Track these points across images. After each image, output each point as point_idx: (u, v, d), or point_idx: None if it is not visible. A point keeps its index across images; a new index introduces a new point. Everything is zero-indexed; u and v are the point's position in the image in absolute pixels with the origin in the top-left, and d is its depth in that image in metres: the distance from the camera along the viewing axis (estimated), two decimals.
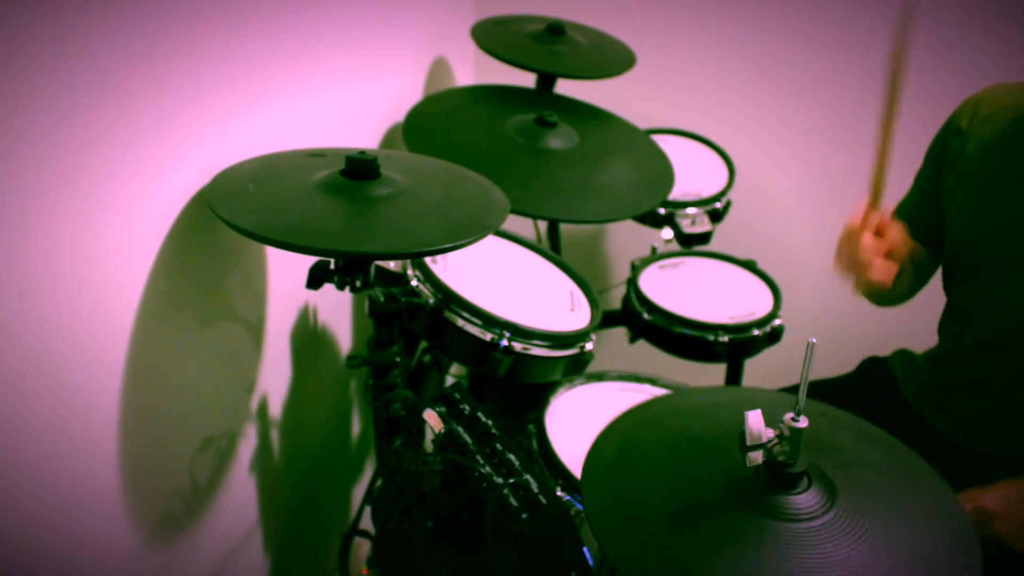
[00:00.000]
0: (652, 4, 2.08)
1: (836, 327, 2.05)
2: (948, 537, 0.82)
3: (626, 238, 2.29)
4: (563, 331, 1.32)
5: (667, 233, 1.85)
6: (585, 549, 1.06)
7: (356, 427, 1.86)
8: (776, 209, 2.17)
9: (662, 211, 1.83)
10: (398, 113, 1.69)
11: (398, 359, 1.30)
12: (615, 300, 1.80)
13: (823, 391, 1.38)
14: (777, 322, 1.63)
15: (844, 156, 2.06)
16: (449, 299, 1.27)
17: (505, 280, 1.46)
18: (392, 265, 1.31)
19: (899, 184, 1.79)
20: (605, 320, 1.55)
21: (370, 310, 1.28)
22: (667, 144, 1.82)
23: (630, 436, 0.93)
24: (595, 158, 1.64)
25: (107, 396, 1.02)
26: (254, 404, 1.38)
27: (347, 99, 1.53)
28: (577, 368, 1.37)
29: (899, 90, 1.17)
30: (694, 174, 1.91)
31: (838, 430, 0.95)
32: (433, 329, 1.29)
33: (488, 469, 1.10)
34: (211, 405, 1.27)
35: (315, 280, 1.13)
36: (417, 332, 1.33)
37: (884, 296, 1.40)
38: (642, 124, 1.88)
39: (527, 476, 1.09)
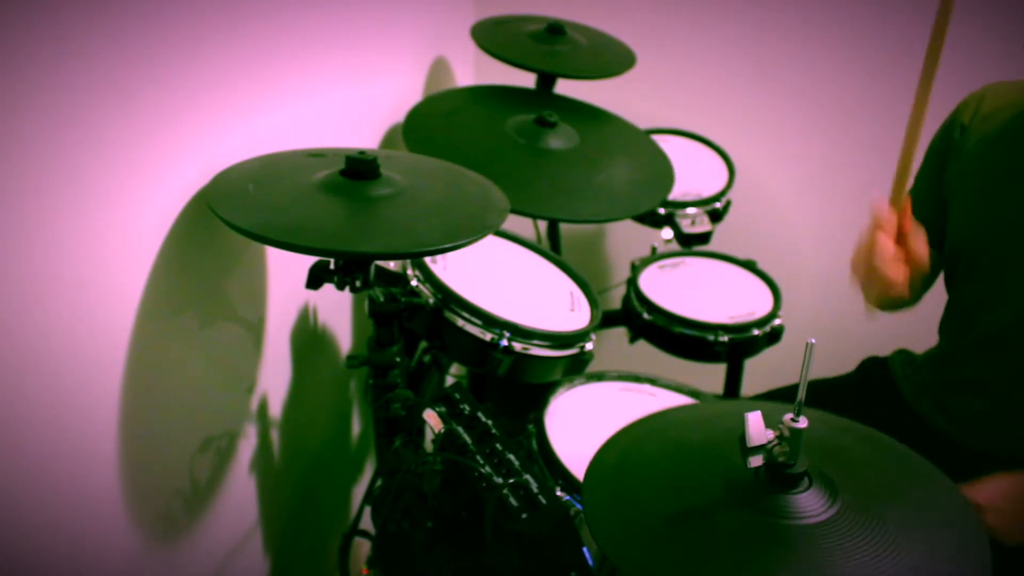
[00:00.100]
0: (652, 4, 2.08)
1: (836, 327, 2.04)
2: (954, 535, 0.82)
3: (626, 238, 2.29)
4: (563, 331, 1.32)
5: (667, 233, 1.85)
6: (585, 549, 1.06)
7: (356, 427, 1.86)
8: (776, 209, 2.17)
9: (662, 211, 1.83)
10: (398, 113, 1.69)
11: (398, 359, 1.30)
12: (615, 300, 1.80)
13: (823, 391, 1.38)
14: (777, 322, 1.63)
15: (844, 156, 2.06)
16: (449, 299, 1.27)
17: (505, 280, 1.46)
18: (392, 265, 1.31)
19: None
20: (605, 320, 1.55)
21: (370, 310, 1.28)
22: (667, 144, 1.82)
23: (630, 448, 0.93)
24: (595, 158, 1.64)
25: (107, 396, 1.02)
26: (254, 404, 1.38)
27: (347, 99, 1.53)
28: (577, 368, 1.37)
29: (932, 83, 1.13)
30: (694, 174, 1.91)
31: (836, 433, 0.96)
32: (433, 329, 1.29)
33: (488, 469, 1.10)
34: (211, 405, 1.27)
35: (315, 280, 1.13)
36: (417, 332, 1.33)
37: (895, 304, 1.38)
38: (642, 124, 1.88)
39: (527, 476, 1.09)
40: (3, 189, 0.81)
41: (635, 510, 0.84)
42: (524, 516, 1.04)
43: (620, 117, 1.83)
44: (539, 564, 1.04)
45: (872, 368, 1.54)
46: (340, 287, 1.13)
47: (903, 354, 1.50)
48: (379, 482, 1.32)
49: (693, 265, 1.81)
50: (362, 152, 1.10)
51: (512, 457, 1.11)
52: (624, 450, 0.93)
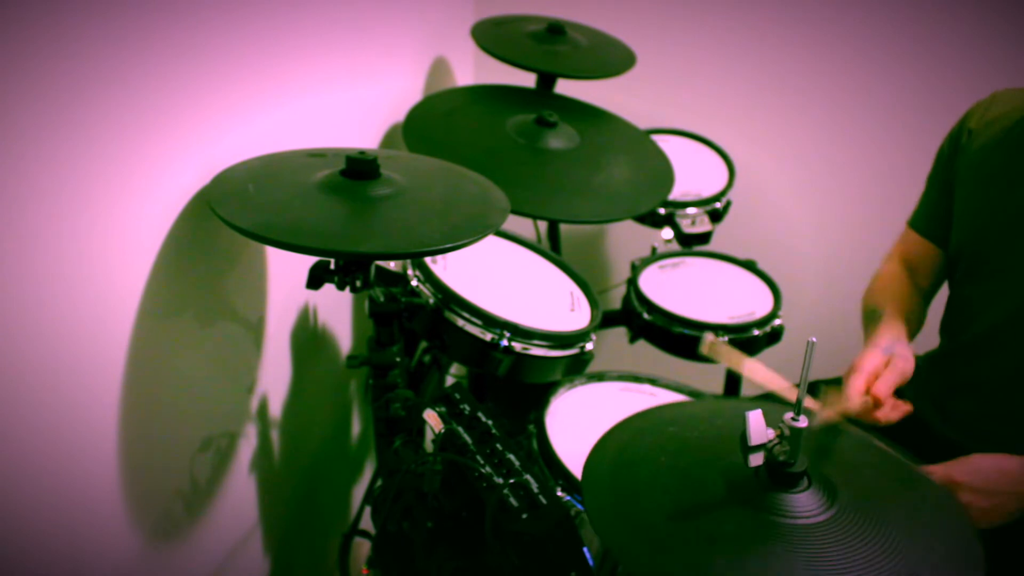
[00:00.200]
0: (652, 4, 2.09)
1: (836, 327, 2.05)
2: (950, 537, 0.82)
3: (626, 238, 2.29)
4: (563, 331, 1.32)
5: (667, 233, 1.85)
6: (585, 549, 1.06)
7: (356, 427, 1.86)
8: (776, 209, 2.17)
9: (662, 211, 1.83)
10: (398, 113, 1.69)
11: (398, 359, 1.30)
12: (615, 300, 1.80)
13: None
14: (777, 322, 1.63)
15: (844, 156, 2.06)
16: (449, 299, 1.27)
17: (505, 280, 1.46)
18: (392, 265, 1.31)
19: (910, 188, 1.79)
20: (605, 320, 1.55)
21: (370, 310, 1.28)
22: (667, 144, 1.82)
23: (628, 443, 0.93)
24: (595, 158, 1.64)
25: (107, 396, 1.02)
26: (254, 404, 1.38)
27: (347, 99, 1.53)
28: (577, 368, 1.37)
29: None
30: (694, 174, 1.91)
31: (834, 435, 0.96)
32: (433, 329, 1.29)
33: (488, 469, 1.10)
34: (211, 405, 1.27)
35: (315, 280, 1.13)
36: (417, 332, 1.33)
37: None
38: (642, 124, 1.88)
39: (527, 476, 1.09)
40: (3, 189, 0.81)
41: (635, 507, 0.84)
42: (524, 516, 1.04)
43: (620, 117, 1.83)
44: (539, 564, 1.04)
45: None
46: (340, 287, 1.13)
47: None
48: (379, 482, 1.32)
49: (693, 265, 1.81)
50: (362, 152, 1.10)
51: (512, 457, 1.11)
52: (624, 447, 0.93)
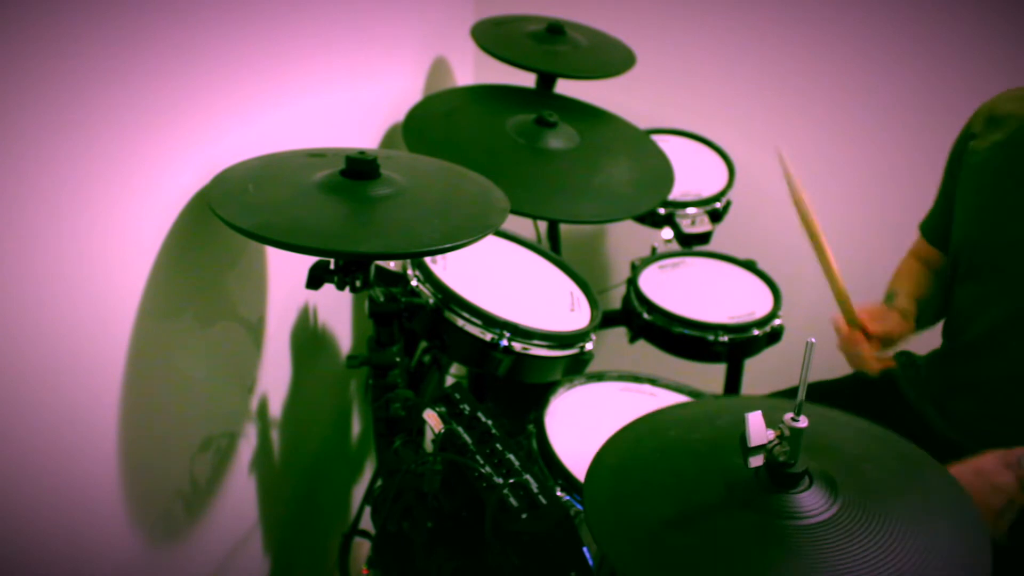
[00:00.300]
0: (652, 4, 2.08)
1: None
2: (955, 528, 0.82)
3: (626, 238, 2.29)
4: (563, 331, 1.32)
5: (667, 233, 1.85)
6: (585, 549, 1.06)
7: (356, 427, 1.86)
8: (776, 209, 2.16)
9: (662, 211, 1.83)
10: (398, 113, 1.69)
11: (398, 359, 1.30)
12: (615, 300, 1.80)
13: (824, 393, 1.38)
14: (777, 322, 1.63)
15: (844, 156, 2.06)
16: (449, 299, 1.27)
17: (505, 280, 1.46)
18: (392, 265, 1.31)
19: (910, 188, 1.79)
20: (605, 320, 1.55)
21: (370, 310, 1.28)
22: (667, 144, 1.82)
23: (630, 448, 0.93)
24: (595, 158, 1.64)
25: (107, 396, 1.02)
26: (254, 404, 1.38)
27: (347, 99, 1.53)
28: (577, 368, 1.37)
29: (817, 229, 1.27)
30: (694, 174, 1.91)
31: (835, 429, 0.95)
32: (433, 329, 1.29)
33: (488, 469, 1.10)
34: (211, 405, 1.27)
35: (315, 280, 1.13)
36: (417, 332, 1.33)
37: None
38: (642, 124, 1.88)
39: (527, 476, 1.09)
40: (3, 188, 0.81)
41: (635, 510, 0.84)
42: (524, 516, 1.04)
43: (620, 117, 1.83)
44: (539, 564, 1.04)
45: None
46: (340, 287, 1.13)
47: (905, 355, 1.51)
48: (379, 482, 1.32)
49: (693, 265, 1.81)
50: (362, 152, 1.10)
51: (512, 457, 1.11)
52: (624, 450, 0.93)
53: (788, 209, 2.20)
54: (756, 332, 1.60)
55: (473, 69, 2.21)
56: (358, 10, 1.52)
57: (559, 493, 1.21)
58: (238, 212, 1.02)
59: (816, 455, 0.85)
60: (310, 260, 1.12)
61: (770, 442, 0.81)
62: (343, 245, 1.01)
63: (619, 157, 1.70)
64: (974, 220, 1.32)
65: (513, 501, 1.06)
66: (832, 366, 1.54)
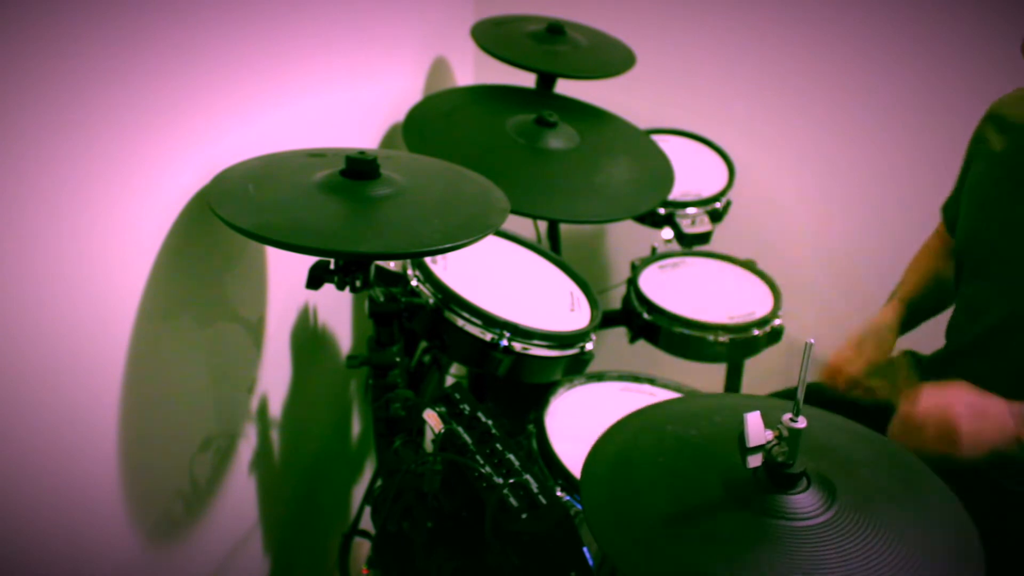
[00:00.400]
0: (652, 4, 2.08)
1: (836, 327, 2.05)
2: (951, 536, 0.82)
3: (626, 238, 2.29)
4: (563, 331, 1.32)
5: (667, 233, 1.85)
6: (585, 549, 1.06)
7: (356, 427, 1.86)
8: (776, 209, 2.17)
9: (662, 211, 1.83)
10: (398, 113, 1.69)
11: (398, 359, 1.30)
12: (615, 300, 1.80)
13: (827, 391, 1.38)
14: (777, 322, 1.63)
15: (844, 156, 2.06)
16: (449, 299, 1.27)
17: (505, 280, 1.46)
18: (392, 265, 1.31)
19: (910, 188, 1.79)
20: (605, 320, 1.55)
21: (370, 310, 1.28)
22: (667, 144, 1.82)
23: (627, 443, 0.93)
24: (595, 158, 1.64)
25: (107, 396, 1.02)
26: (254, 404, 1.38)
27: (347, 99, 1.53)
28: (577, 368, 1.38)
29: None
30: (694, 174, 1.91)
31: (832, 432, 0.96)
32: (433, 329, 1.29)
33: (488, 469, 1.10)
34: (211, 405, 1.27)
35: (315, 280, 1.13)
36: (417, 332, 1.33)
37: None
38: (642, 124, 1.88)
39: (527, 476, 1.09)
40: (3, 189, 0.81)
41: (633, 509, 0.84)
42: (524, 516, 1.04)
43: (620, 117, 1.83)
44: (539, 564, 1.04)
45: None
46: (340, 287, 1.13)
47: (910, 355, 1.51)
48: (379, 482, 1.32)
49: (693, 265, 1.81)
50: (362, 152, 1.10)
51: (512, 457, 1.11)
52: (622, 447, 0.93)
53: (788, 209, 2.21)
54: (756, 332, 1.60)
55: (473, 69, 2.21)
56: (358, 10, 1.52)
57: (559, 493, 1.21)
58: (238, 212, 1.02)
59: (814, 457, 0.85)
60: (310, 260, 1.12)
61: (769, 442, 0.81)
62: (343, 245, 1.01)
63: (619, 157, 1.70)
64: (976, 222, 1.32)
65: (513, 501, 1.06)
66: None
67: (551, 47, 1.78)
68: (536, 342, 1.28)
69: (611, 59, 1.83)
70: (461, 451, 1.13)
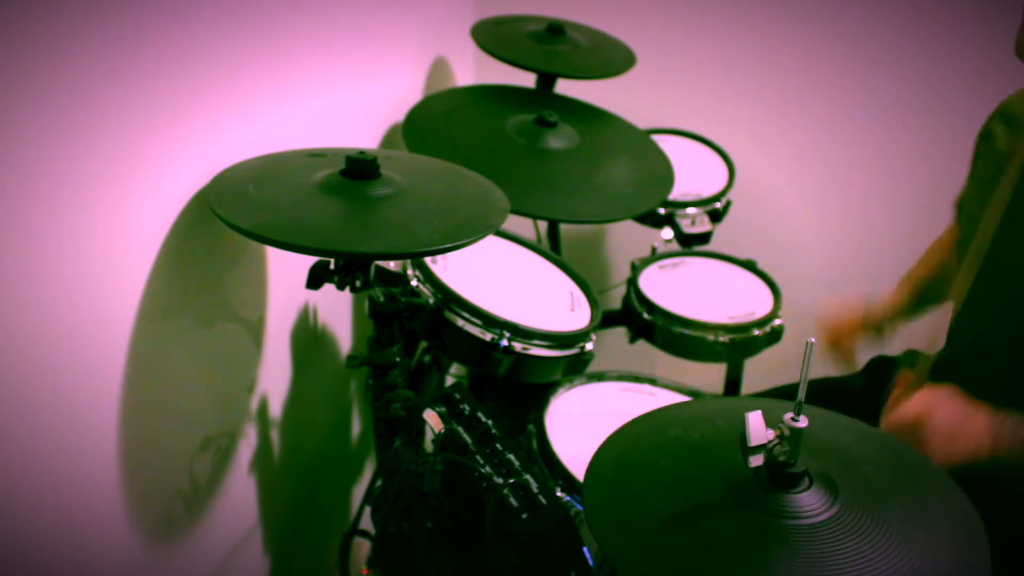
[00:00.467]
0: (652, 4, 2.08)
1: None
2: (955, 534, 0.82)
3: (626, 238, 2.29)
4: (563, 331, 1.32)
5: (667, 233, 1.85)
6: (585, 549, 1.06)
7: (356, 427, 1.86)
8: (776, 209, 2.17)
9: (662, 211, 1.83)
10: (398, 113, 1.69)
11: (398, 359, 1.30)
12: (615, 300, 1.80)
13: (829, 390, 1.38)
14: (777, 322, 1.63)
15: (844, 156, 2.06)
16: (449, 299, 1.27)
17: (505, 280, 1.46)
18: (392, 265, 1.31)
19: (910, 188, 1.79)
20: (605, 320, 1.55)
21: (370, 310, 1.28)
22: (667, 144, 1.82)
23: (630, 447, 0.93)
24: (595, 158, 1.64)
25: (107, 396, 1.02)
26: (254, 404, 1.38)
27: (347, 99, 1.53)
28: (577, 368, 1.37)
29: None
30: (694, 174, 1.91)
31: (836, 431, 0.96)
32: (433, 329, 1.29)
33: (488, 469, 1.10)
34: (211, 405, 1.27)
35: (315, 280, 1.13)
36: (417, 332, 1.33)
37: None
38: (642, 124, 1.88)
39: (527, 476, 1.09)
40: (3, 189, 0.81)
41: (635, 509, 0.84)
42: (524, 516, 1.04)
43: (620, 117, 1.83)
44: (539, 564, 1.04)
45: (880, 368, 1.54)
46: (340, 287, 1.13)
47: (913, 355, 1.51)
48: (379, 482, 1.32)
49: (693, 265, 1.81)
50: (362, 152, 1.10)
51: (512, 457, 1.11)
52: (624, 449, 0.93)
53: (788, 209, 2.21)
54: (756, 332, 1.59)
55: (473, 69, 2.21)
56: (358, 10, 1.52)
57: (559, 493, 1.21)
58: (238, 212, 1.02)
59: (816, 456, 0.85)
60: (310, 260, 1.12)
61: (770, 442, 0.81)
62: (343, 245, 1.01)
63: (619, 157, 1.70)
64: (977, 218, 1.32)
65: (513, 501, 1.06)
66: (832, 366, 1.54)
67: (551, 47, 1.78)
68: (536, 342, 1.28)
69: (611, 59, 1.83)
70: (461, 451, 1.13)
